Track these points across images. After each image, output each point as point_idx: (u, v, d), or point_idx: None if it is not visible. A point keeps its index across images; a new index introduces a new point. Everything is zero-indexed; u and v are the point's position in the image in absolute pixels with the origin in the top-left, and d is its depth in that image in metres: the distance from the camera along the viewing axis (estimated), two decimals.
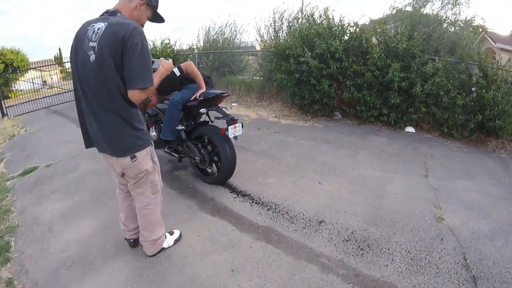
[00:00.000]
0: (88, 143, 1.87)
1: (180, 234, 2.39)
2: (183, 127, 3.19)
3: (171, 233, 2.34)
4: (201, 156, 3.11)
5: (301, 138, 4.83)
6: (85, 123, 1.77)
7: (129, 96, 1.58)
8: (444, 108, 5.05)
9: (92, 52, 1.54)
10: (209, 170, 3.26)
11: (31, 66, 12.44)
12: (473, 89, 4.98)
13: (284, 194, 3.04)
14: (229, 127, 2.90)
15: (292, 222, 2.58)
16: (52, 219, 2.83)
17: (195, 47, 9.80)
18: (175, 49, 9.72)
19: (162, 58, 1.85)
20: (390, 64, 5.14)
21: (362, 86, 5.50)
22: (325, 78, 5.65)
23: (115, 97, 1.60)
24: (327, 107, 6.12)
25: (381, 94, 5.46)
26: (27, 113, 8.99)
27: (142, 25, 1.76)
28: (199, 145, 3.16)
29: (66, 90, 10.92)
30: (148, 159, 1.84)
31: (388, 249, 2.28)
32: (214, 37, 9.34)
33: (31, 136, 6.24)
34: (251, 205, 2.83)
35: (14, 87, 12.97)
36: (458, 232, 2.48)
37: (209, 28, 9.46)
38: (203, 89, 3.02)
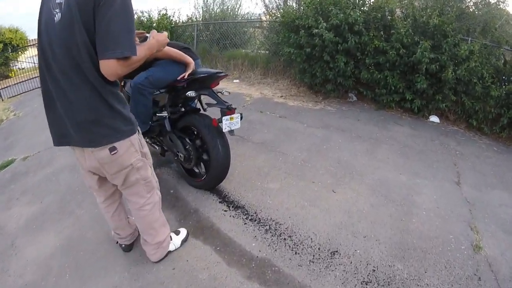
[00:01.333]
0: (57, 138, 1.45)
1: (187, 233, 2.08)
2: (167, 115, 2.56)
3: (177, 233, 2.04)
4: (186, 153, 2.49)
5: (311, 125, 4.15)
6: (51, 110, 1.38)
7: (102, 69, 1.19)
8: (475, 98, 4.38)
9: (58, 10, 1.20)
10: (197, 170, 2.64)
11: (30, 44, 12.16)
12: None
13: (288, 207, 2.43)
14: (223, 118, 2.23)
15: (296, 252, 1.99)
16: (18, 230, 2.42)
17: (194, 18, 8.83)
18: (173, 20, 8.78)
19: (154, 30, 1.48)
20: (418, 42, 4.35)
21: (384, 65, 4.74)
22: (341, 54, 4.88)
23: (87, 70, 1.23)
24: (341, 88, 5.39)
25: (404, 76, 4.72)
26: (22, 93, 8.53)
27: None
28: (186, 139, 2.52)
29: None
30: (133, 151, 1.47)
31: None
32: (214, 5, 8.40)
33: (18, 121, 5.74)
34: (245, 223, 2.23)
35: (15, 66, 12.84)
36: (497, 267, 1.99)
37: None
38: (192, 65, 2.35)
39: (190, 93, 2.34)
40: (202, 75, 2.33)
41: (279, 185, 2.70)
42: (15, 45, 12.55)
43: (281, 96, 5.59)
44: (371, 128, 4.14)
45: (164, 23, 8.33)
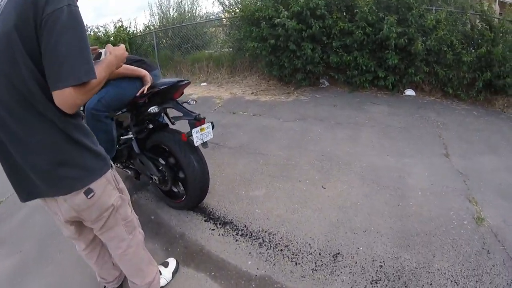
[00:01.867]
0: (22, 193, 1.19)
1: (177, 263, 1.87)
2: (131, 136, 2.29)
3: (166, 265, 1.83)
4: (160, 174, 2.24)
5: (287, 119, 3.98)
6: (6, 160, 1.11)
7: (57, 102, 0.95)
8: (448, 66, 4.44)
9: None
10: (175, 190, 2.40)
11: None
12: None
13: (278, 213, 2.23)
14: (193, 131, 1.99)
15: (296, 263, 1.80)
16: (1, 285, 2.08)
17: (152, 26, 8.42)
18: (130, 31, 8.33)
19: (109, 44, 1.26)
20: (383, 18, 4.29)
21: (352, 47, 4.67)
22: (307, 41, 4.76)
23: (39, 104, 0.99)
24: (312, 75, 5.29)
25: (374, 54, 4.68)
26: None
27: None
28: (157, 160, 2.28)
29: None
30: (111, 189, 1.26)
31: (431, 284, 1.63)
32: (170, 10, 8.05)
33: None
34: (236, 240, 2.01)
35: None
36: (503, 236, 1.94)
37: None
38: (148, 77, 2.09)
39: (153, 109, 2.05)
40: (162, 87, 2.08)
41: (265, 191, 2.50)
42: None
43: (252, 93, 5.40)
44: (349, 113, 4.04)
45: (121, 36, 7.89)
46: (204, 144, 2.08)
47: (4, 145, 1.06)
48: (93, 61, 1.05)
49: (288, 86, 5.49)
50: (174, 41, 7.65)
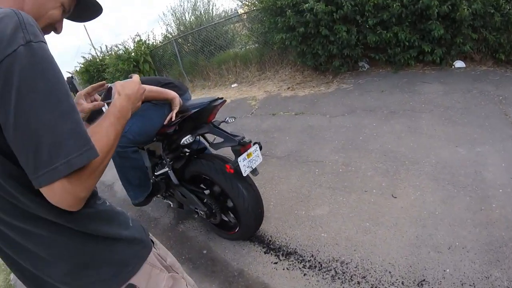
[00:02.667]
0: None
1: None
2: (166, 169, 2.10)
3: None
4: (206, 208, 2.06)
5: (334, 115, 3.68)
6: (16, 268, 0.80)
7: (51, 201, 0.62)
8: (496, 30, 3.86)
9: None
10: (226, 219, 2.23)
11: None
12: None
13: (348, 235, 2.01)
14: (239, 159, 1.73)
15: None
16: None
17: (170, 35, 8.39)
18: (149, 43, 8.36)
19: (117, 82, 0.90)
20: None
21: (390, 22, 4.21)
22: (339, 23, 4.38)
23: (29, 205, 0.68)
24: (350, 60, 4.88)
25: (415, 27, 4.19)
26: None
27: (52, 22, 0.80)
28: (200, 192, 2.09)
29: None
30: (157, 273, 0.93)
31: None
32: (186, 14, 7.92)
33: None
34: (304, 274, 1.84)
35: None
36: None
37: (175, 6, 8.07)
38: (177, 100, 1.88)
39: (186, 140, 1.84)
40: (193, 111, 1.87)
41: (328, 208, 2.29)
42: None
43: (288, 88, 5.13)
44: (400, 97, 3.64)
45: (141, 50, 7.95)
46: (254, 171, 1.87)
47: (12, 258, 0.79)
48: (103, 105, 0.89)
49: (326, 75, 5.14)
50: (196, 45, 7.56)
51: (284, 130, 3.69)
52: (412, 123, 3.05)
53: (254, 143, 1.89)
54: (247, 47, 6.73)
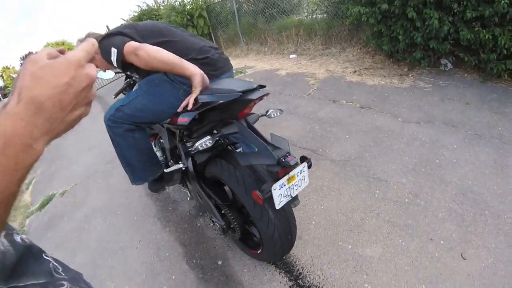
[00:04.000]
0: None
1: None
2: (180, 165, 1.64)
3: None
4: (223, 221, 1.59)
5: (408, 120, 2.94)
6: None
7: None
8: None
9: None
10: (250, 232, 1.72)
11: None
12: None
13: None
14: (274, 188, 1.18)
15: None
16: None
17: None
18: None
19: (27, 66, 0.35)
20: None
21: (491, 21, 3.23)
22: (431, 8, 3.46)
23: None
24: (433, 54, 3.94)
25: None
26: None
27: None
28: (218, 201, 1.59)
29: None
30: None
31: None
32: None
33: (62, 139, 5.44)
34: None
35: None
36: None
37: None
38: (198, 82, 1.26)
39: (202, 144, 1.30)
40: (221, 101, 1.25)
41: (381, 250, 1.69)
42: None
43: (355, 72, 4.34)
44: (488, 117, 2.80)
45: (198, 3, 7.36)
46: (293, 200, 1.29)
47: None
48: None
49: (400, 66, 4.27)
50: (257, 6, 6.78)
51: (345, 125, 3.02)
52: (499, 158, 2.26)
53: (303, 160, 1.31)
54: (314, 16, 5.87)
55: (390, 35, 4.06)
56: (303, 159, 1.31)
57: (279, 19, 6.36)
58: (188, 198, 2.27)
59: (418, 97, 3.38)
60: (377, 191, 2.10)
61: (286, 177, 1.21)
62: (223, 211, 1.59)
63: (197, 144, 1.29)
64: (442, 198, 1.97)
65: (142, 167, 1.65)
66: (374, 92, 3.63)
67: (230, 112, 1.37)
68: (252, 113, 1.52)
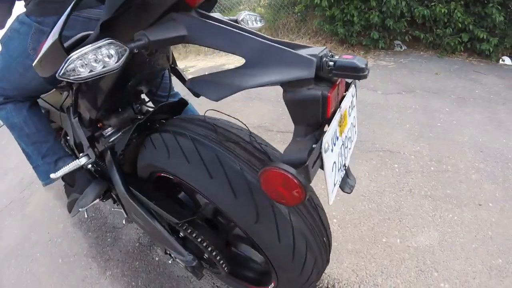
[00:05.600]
0: None
1: None
2: (81, 161, 0.99)
3: None
4: (190, 256, 0.91)
5: (388, 92, 2.68)
6: None
7: None
8: None
9: None
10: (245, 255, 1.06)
11: None
12: None
13: (480, 282, 1.04)
14: (324, 146, 0.55)
15: None
16: None
17: None
18: None
19: None
20: None
21: None
22: None
23: None
24: (387, 35, 3.85)
25: (467, 9, 3.26)
26: None
27: None
28: (168, 217, 0.87)
29: None
30: None
31: None
32: None
33: None
34: None
35: None
36: None
37: None
38: None
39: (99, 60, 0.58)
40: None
41: (436, 234, 1.24)
42: None
43: None
44: (461, 84, 2.76)
45: None
46: (350, 177, 0.74)
47: None
48: None
49: (355, 50, 4.09)
50: None
51: None
52: (491, 115, 2.16)
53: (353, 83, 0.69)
54: (257, 9, 5.55)
55: (344, 18, 3.86)
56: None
57: (213, 11, 5.88)
58: (124, 221, 1.35)
59: (386, 72, 3.18)
60: (396, 165, 1.68)
61: (338, 115, 0.60)
62: (181, 234, 0.93)
63: (76, 61, 0.55)
64: (465, 160, 1.70)
65: (37, 155, 1.17)
66: None
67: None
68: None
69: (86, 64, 0.55)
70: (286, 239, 0.71)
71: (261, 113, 2.66)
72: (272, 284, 0.91)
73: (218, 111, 0.84)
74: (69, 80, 0.55)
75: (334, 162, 0.62)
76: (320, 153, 0.55)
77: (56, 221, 1.98)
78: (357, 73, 0.50)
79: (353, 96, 0.69)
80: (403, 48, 4.00)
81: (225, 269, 0.91)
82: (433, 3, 3.29)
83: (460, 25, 3.25)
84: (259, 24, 0.89)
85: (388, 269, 1.13)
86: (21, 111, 1.11)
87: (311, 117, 0.57)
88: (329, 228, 0.85)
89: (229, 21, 0.66)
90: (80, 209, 1.13)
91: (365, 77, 0.51)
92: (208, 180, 0.72)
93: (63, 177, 1.16)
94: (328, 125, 0.57)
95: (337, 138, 0.63)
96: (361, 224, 1.34)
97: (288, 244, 0.72)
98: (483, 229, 1.25)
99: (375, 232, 1.29)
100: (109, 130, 0.93)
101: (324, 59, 0.53)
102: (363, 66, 0.50)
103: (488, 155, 1.70)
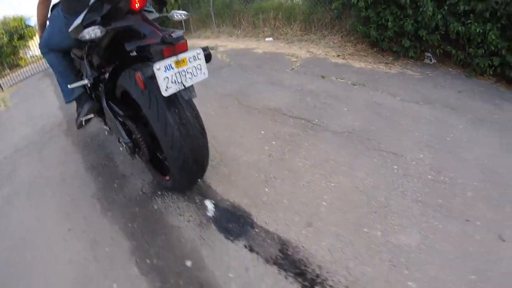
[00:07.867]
0: None
1: None
2: (85, 81, 1.61)
3: None
4: (129, 140, 1.49)
5: (408, 99, 2.66)
6: None
7: None
8: None
9: None
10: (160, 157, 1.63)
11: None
12: None
13: None
14: (156, 66, 1.12)
15: None
16: None
17: None
18: None
19: None
20: None
21: (482, 16, 3.12)
22: None
23: None
24: (419, 45, 3.77)
25: (504, 32, 3.10)
26: (22, 81, 7.50)
27: None
28: (124, 116, 1.51)
29: None
30: None
31: None
32: None
33: (6, 113, 4.48)
34: None
35: (28, 54, 12.22)
36: None
37: None
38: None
39: (91, 31, 1.18)
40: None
41: (419, 236, 1.28)
42: (22, 33, 12.04)
43: (338, 56, 4.03)
44: (483, 105, 2.68)
45: None
46: (187, 91, 1.23)
47: None
48: None
49: (384, 55, 4.04)
50: None
51: (341, 99, 2.65)
52: (504, 141, 2.10)
53: (195, 48, 1.24)
54: (295, 1, 5.52)
55: (378, 22, 3.81)
56: (199, 49, 1.25)
57: (257, 1, 5.90)
58: (106, 133, 2.10)
59: (410, 82, 3.14)
60: (395, 166, 1.71)
61: (174, 58, 1.15)
62: (126, 126, 1.48)
63: (84, 32, 1.18)
64: (465, 176, 1.68)
65: (64, 83, 1.79)
66: (363, 73, 3.34)
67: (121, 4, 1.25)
68: (150, 11, 1.52)
69: (88, 33, 1.17)
70: (169, 138, 1.23)
71: (279, 97, 2.73)
72: (167, 176, 1.51)
73: None
74: (82, 39, 1.19)
75: (166, 78, 1.13)
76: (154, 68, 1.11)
77: (70, 164, 2.14)
78: (174, 42, 1.13)
79: (198, 53, 1.22)
80: (433, 61, 3.92)
81: (147, 154, 1.45)
82: (469, 21, 3.21)
83: (493, 47, 3.16)
84: (184, 17, 1.44)
85: (363, 257, 1.18)
86: (58, 57, 1.78)
87: (157, 57, 1.16)
88: (206, 149, 1.39)
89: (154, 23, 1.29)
90: (80, 119, 1.81)
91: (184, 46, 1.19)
92: (135, 90, 1.29)
93: (76, 100, 1.82)
94: (168, 57, 1.14)
95: (172, 68, 1.14)
96: (349, 212, 1.40)
97: (168, 139, 1.24)
98: (465, 244, 1.25)
99: (360, 221, 1.34)
100: (106, 72, 1.54)
101: (167, 36, 1.13)
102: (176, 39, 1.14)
103: (490, 177, 1.68)
